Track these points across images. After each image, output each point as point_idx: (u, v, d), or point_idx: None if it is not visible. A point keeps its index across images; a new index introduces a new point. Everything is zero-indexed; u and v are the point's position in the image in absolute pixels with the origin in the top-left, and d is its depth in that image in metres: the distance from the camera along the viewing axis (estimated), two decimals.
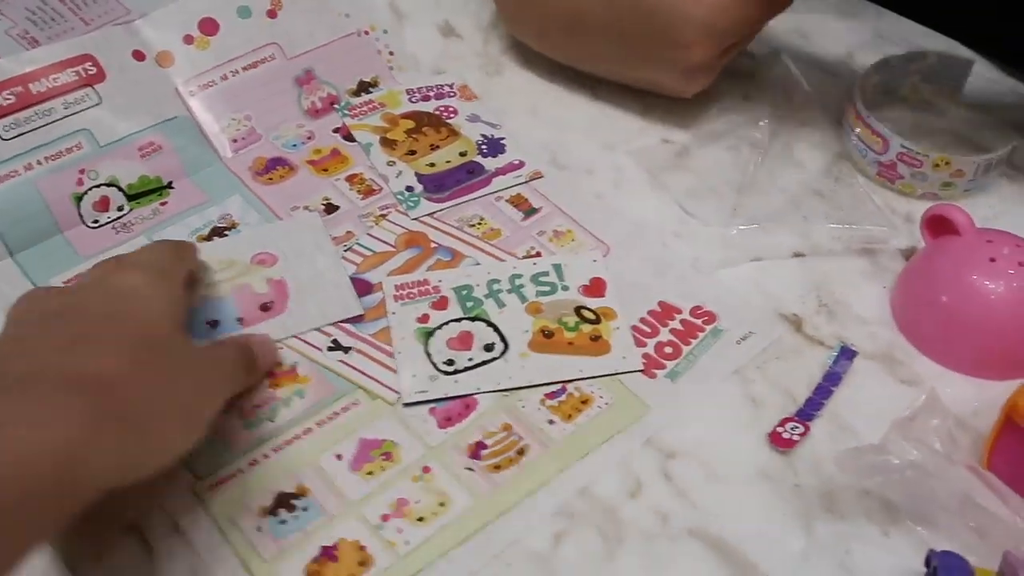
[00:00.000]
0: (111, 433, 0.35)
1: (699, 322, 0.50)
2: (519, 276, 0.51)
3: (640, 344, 0.49)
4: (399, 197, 0.56)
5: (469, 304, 0.50)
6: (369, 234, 0.54)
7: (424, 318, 0.49)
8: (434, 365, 0.47)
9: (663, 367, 0.48)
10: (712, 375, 0.48)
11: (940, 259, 0.48)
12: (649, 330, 0.49)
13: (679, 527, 0.43)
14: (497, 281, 0.51)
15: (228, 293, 0.50)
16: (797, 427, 0.45)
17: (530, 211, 0.55)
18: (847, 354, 0.48)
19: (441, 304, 0.50)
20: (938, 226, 0.49)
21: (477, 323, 0.49)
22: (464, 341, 0.48)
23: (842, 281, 0.52)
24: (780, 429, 0.45)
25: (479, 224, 0.54)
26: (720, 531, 0.42)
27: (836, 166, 0.59)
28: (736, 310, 0.50)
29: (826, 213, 0.55)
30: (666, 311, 0.50)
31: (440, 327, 0.49)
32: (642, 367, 0.48)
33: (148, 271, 0.43)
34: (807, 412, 0.46)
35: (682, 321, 0.50)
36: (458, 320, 0.49)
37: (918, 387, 0.47)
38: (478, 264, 0.52)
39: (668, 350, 0.48)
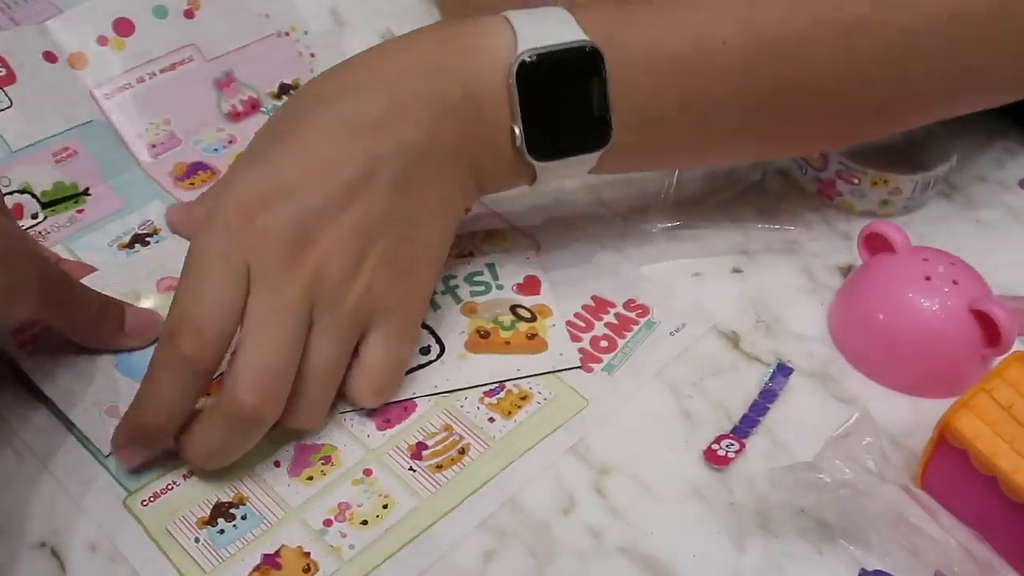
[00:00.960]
0: None
1: (633, 315, 0.51)
2: (453, 277, 0.51)
3: (576, 339, 0.49)
4: None
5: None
6: None
7: None
8: None
9: (599, 360, 0.49)
10: (647, 367, 0.49)
11: (876, 277, 0.48)
12: (584, 324, 0.50)
13: (611, 544, 0.42)
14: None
15: None
16: (732, 444, 0.45)
17: None
18: (783, 371, 0.48)
19: None
20: (875, 244, 0.49)
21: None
22: None
23: (779, 297, 0.52)
24: (715, 446, 0.45)
25: None
26: (652, 548, 0.42)
27: (774, 181, 0.59)
28: (668, 303, 0.51)
29: (754, 216, 0.57)
30: (600, 305, 0.51)
31: None
32: (579, 363, 0.48)
33: None
34: (743, 429, 0.46)
35: (616, 315, 0.51)
36: None
37: (853, 405, 0.47)
38: None
39: (604, 343, 0.49)
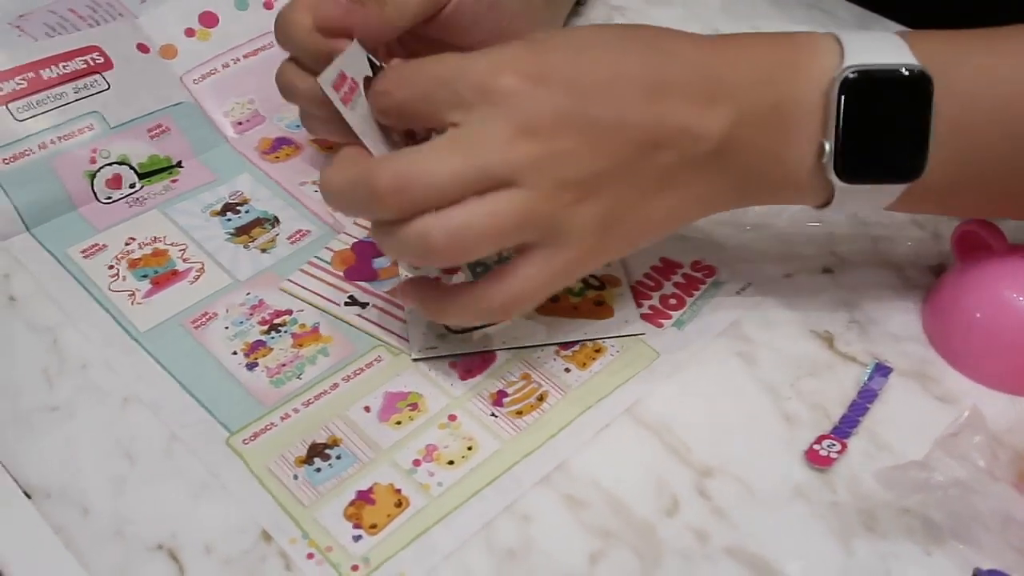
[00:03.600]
0: None
1: (700, 275, 0.54)
2: None
3: (645, 297, 0.53)
4: None
5: (479, 269, 0.52)
6: None
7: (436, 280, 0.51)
8: (444, 324, 0.50)
9: (669, 317, 0.53)
10: (716, 323, 0.52)
11: (974, 275, 0.49)
12: (653, 284, 0.54)
13: (717, 546, 0.43)
14: None
15: None
16: (834, 444, 0.46)
17: None
18: (882, 370, 0.49)
19: (451, 268, 0.52)
20: (969, 242, 0.50)
21: None
22: None
23: (871, 297, 0.53)
24: (817, 447, 0.46)
25: None
26: (759, 550, 0.43)
27: None
28: (733, 264, 0.55)
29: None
30: (668, 266, 0.55)
31: None
32: (643, 332, 0.52)
33: None
34: (843, 429, 0.47)
35: (683, 275, 0.55)
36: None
37: (953, 404, 0.48)
38: None
39: (672, 301, 0.53)
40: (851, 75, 0.43)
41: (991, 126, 0.44)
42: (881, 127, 0.44)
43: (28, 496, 0.45)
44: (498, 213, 0.41)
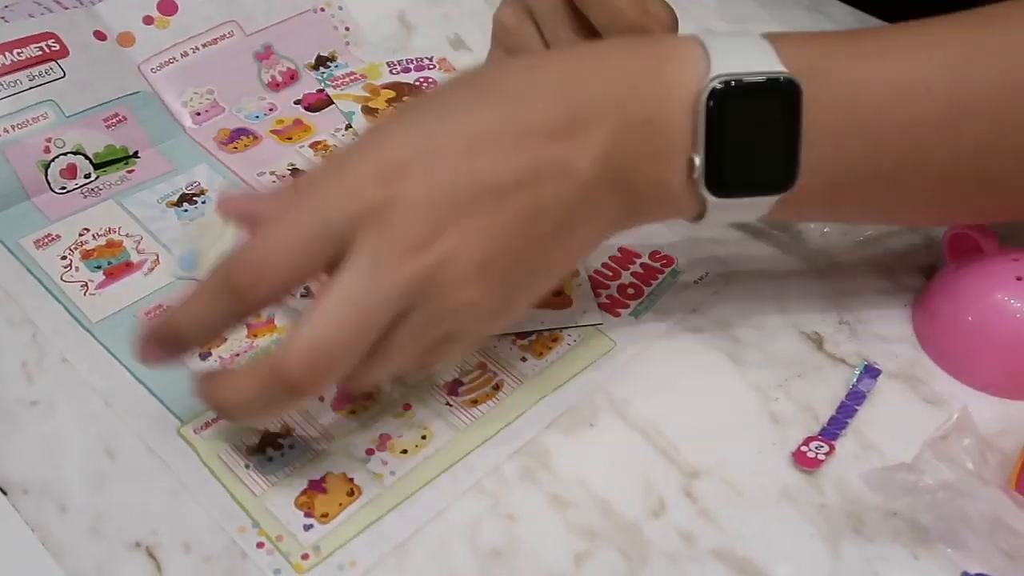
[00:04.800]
0: None
1: (658, 265, 0.55)
2: None
3: (603, 287, 0.54)
4: None
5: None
6: None
7: None
8: None
9: (627, 306, 0.53)
10: (673, 313, 0.53)
11: (965, 278, 0.49)
12: (611, 274, 0.55)
13: (703, 548, 0.43)
14: None
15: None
16: (822, 446, 0.46)
17: None
18: (871, 372, 0.49)
19: None
20: (960, 244, 0.50)
21: None
22: None
23: (861, 298, 0.53)
24: (804, 448, 0.46)
25: None
26: (746, 552, 0.43)
27: None
28: (691, 254, 0.56)
29: None
30: (626, 256, 0.56)
31: None
32: (601, 321, 0.52)
33: None
34: (831, 431, 0.47)
35: (642, 264, 0.55)
36: None
37: (942, 406, 0.48)
38: None
39: (630, 291, 0.54)
40: (718, 85, 0.42)
41: (859, 134, 0.44)
42: (750, 138, 0.43)
43: (4, 492, 0.44)
44: (415, 338, 0.41)
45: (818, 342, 0.52)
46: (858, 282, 0.55)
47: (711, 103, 0.42)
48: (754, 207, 0.45)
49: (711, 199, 0.43)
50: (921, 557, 0.43)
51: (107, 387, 0.48)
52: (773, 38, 0.44)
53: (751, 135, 0.43)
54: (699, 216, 0.45)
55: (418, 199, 0.39)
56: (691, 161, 0.42)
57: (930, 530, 0.43)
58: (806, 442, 0.47)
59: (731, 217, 0.45)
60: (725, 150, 0.42)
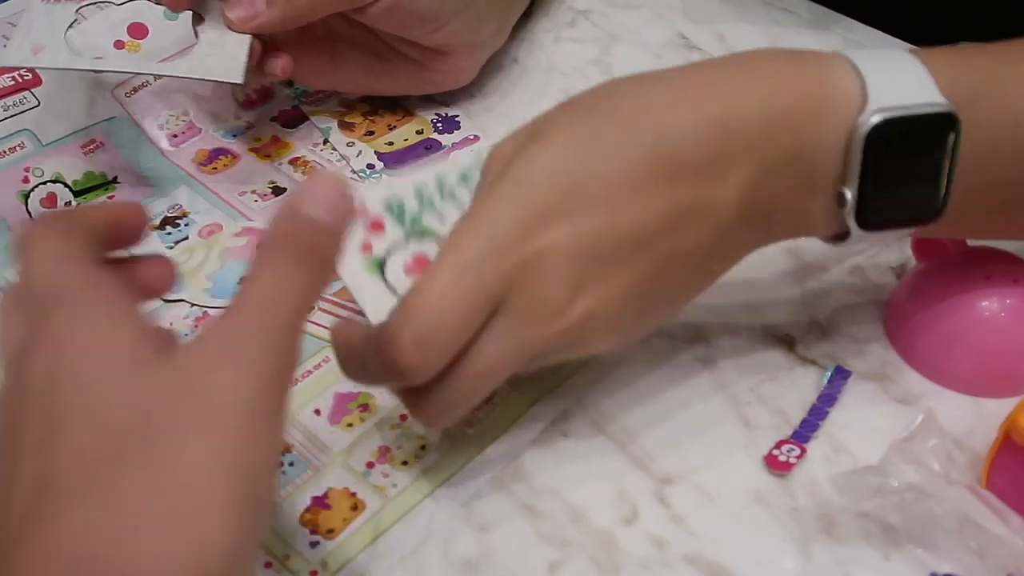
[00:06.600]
0: None
1: None
2: (445, 179, 0.52)
3: None
4: (361, 175, 0.62)
5: (406, 221, 0.51)
6: None
7: (367, 247, 0.50)
8: (398, 297, 0.49)
9: None
10: None
11: (933, 277, 0.50)
12: None
13: (675, 554, 0.44)
14: (424, 189, 0.51)
15: None
16: (793, 449, 0.46)
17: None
18: (841, 374, 0.50)
19: (377, 226, 0.51)
20: (928, 244, 0.51)
21: (426, 242, 0.50)
22: (421, 264, 0.50)
23: (833, 299, 0.54)
24: (776, 452, 0.47)
25: None
26: (717, 557, 0.44)
27: None
28: None
29: None
30: None
31: (390, 255, 0.50)
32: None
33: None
34: (803, 434, 0.48)
35: None
36: (405, 242, 0.51)
37: (914, 406, 0.50)
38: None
39: None
40: (877, 121, 0.41)
41: (1013, 155, 0.43)
42: (904, 173, 0.42)
43: None
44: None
45: (790, 344, 0.52)
46: (830, 283, 0.56)
47: (870, 138, 0.41)
48: (896, 236, 0.45)
49: (856, 232, 0.43)
50: (891, 558, 0.44)
51: None
52: (925, 58, 0.43)
53: (905, 168, 0.42)
54: (838, 240, 0.44)
55: (561, 254, 0.39)
56: (841, 195, 0.42)
57: (900, 531, 0.44)
58: (777, 445, 0.47)
59: (870, 243, 0.45)
60: (878, 186, 0.42)
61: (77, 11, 0.57)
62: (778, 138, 0.41)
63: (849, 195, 0.41)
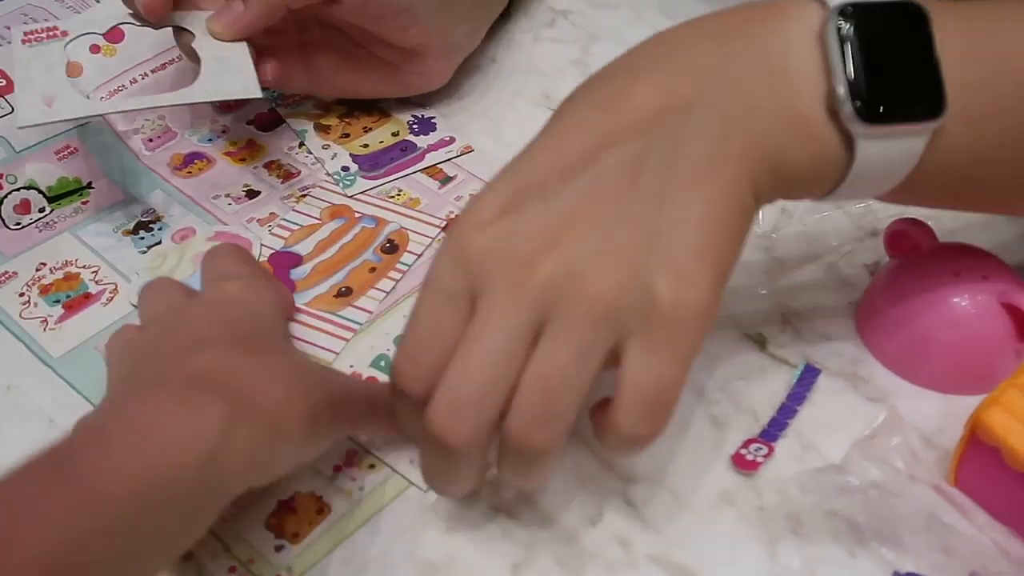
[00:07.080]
0: (242, 431, 0.38)
1: None
2: None
3: None
4: (335, 177, 0.63)
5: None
6: (294, 210, 0.61)
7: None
8: None
9: None
10: None
11: (903, 274, 0.50)
12: None
13: (640, 554, 0.44)
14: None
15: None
16: (761, 448, 0.46)
17: (445, 180, 0.62)
18: (811, 372, 0.50)
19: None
20: (901, 241, 0.51)
21: None
22: None
23: (806, 296, 0.54)
24: (744, 451, 0.46)
25: (398, 196, 0.61)
26: (683, 557, 0.44)
27: None
28: None
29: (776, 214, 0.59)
30: None
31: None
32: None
33: (238, 278, 0.50)
34: (771, 432, 0.48)
35: None
36: None
37: (884, 404, 0.50)
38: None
39: None
40: (847, 7, 0.40)
41: (1001, 73, 0.42)
42: (888, 61, 0.40)
43: None
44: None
45: (761, 343, 0.52)
46: (804, 281, 0.56)
47: (841, 22, 0.40)
48: (903, 151, 0.41)
49: (861, 132, 0.40)
50: (857, 555, 0.44)
51: (70, 423, 0.48)
52: None
53: (887, 58, 0.40)
54: (841, 174, 0.41)
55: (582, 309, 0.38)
56: (834, 92, 0.40)
57: (866, 529, 0.44)
58: (745, 444, 0.47)
59: (878, 167, 0.42)
60: (866, 74, 0.40)
61: (65, 47, 0.57)
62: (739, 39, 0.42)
63: (841, 89, 0.40)
